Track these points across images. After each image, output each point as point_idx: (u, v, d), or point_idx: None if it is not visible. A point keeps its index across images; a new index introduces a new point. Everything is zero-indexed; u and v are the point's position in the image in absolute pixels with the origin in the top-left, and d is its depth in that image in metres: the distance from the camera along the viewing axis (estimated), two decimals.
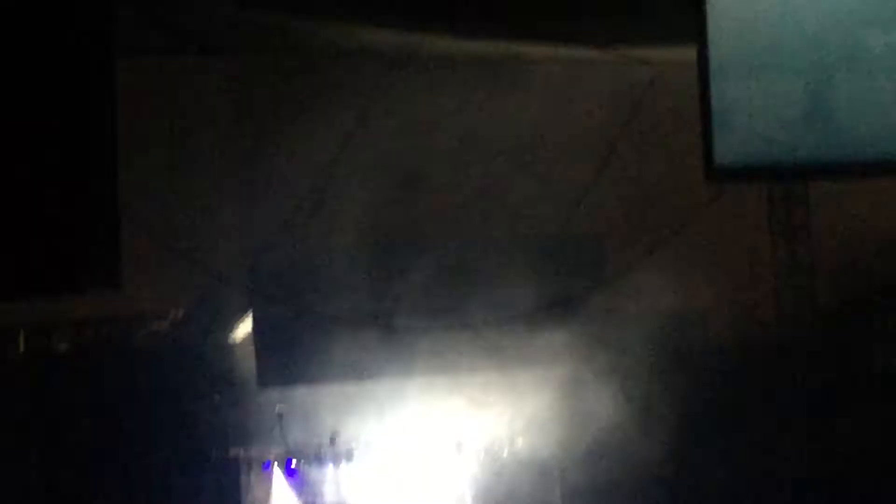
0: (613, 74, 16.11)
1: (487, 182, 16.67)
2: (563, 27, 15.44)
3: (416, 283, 17.16)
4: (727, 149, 11.26)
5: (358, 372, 17.28)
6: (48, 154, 7.49)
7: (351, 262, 16.99)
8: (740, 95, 11.29)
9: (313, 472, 18.09)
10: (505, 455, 18.42)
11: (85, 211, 7.67)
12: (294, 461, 17.86)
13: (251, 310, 17.28)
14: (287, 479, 17.97)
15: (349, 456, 18.05)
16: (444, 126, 16.08)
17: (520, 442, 18.30)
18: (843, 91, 11.21)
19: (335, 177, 16.33)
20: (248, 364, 17.34)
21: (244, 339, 17.79)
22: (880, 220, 16.51)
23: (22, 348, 16.53)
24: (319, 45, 15.76)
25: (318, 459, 17.97)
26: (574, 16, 15.11)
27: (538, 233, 17.82)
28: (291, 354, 17.24)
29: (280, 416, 17.47)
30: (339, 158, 16.14)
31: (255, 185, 15.82)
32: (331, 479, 18.21)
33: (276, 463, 17.76)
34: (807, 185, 17.22)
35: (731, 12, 11.26)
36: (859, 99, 11.18)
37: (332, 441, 17.90)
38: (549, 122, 16.22)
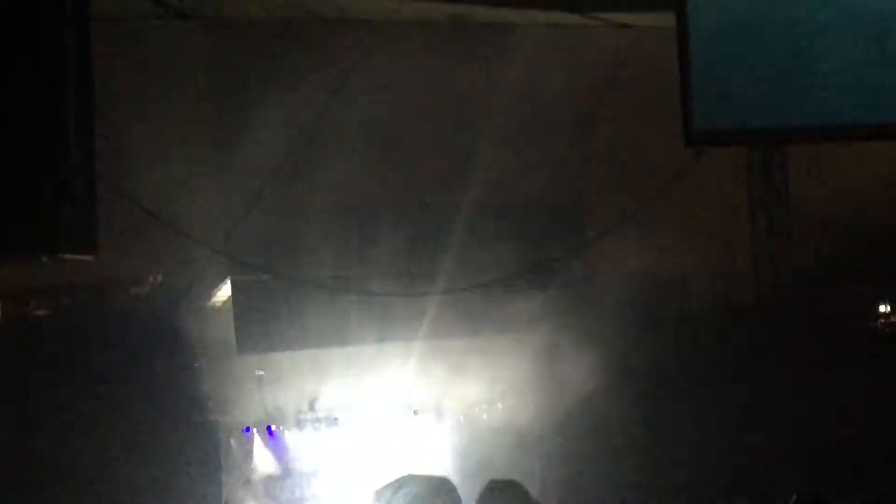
0: (592, 39, 16.08)
1: (466, 147, 16.65)
2: None
3: (394, 249, 17.18)
4: (706, 113, 11.27)
5: (337, 337, 17.30)
6: (22, 120, 7.44)
7: (329, 228, 16.98)
8: (719, 59, 11.30)
9: (293, 437, 18.14)
10: (483, 420, 18.49)
11: (58, 177, 7.63)
12: (273, 426, 17.90)
13: (229, 276, 17.26)
14: (267, 444, 18.01)
15: (328, 421, 18.10)
16: (422, 92, 16.05)
17: (498, 407, 18.36)
18: (821, 55, 11.23)
19: (313, 142, 16.29)
20: (226, 330, 17.34)
21: (222, 305, 17.78)
22: (856, 186, 16.57)
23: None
24: (298, 11, 15.66)
25: (298, 424, 18.02)
26: None
27: (517, 198, 17.82)
28: (270, 320, 17.24)
29: (260, 380, 17.50)
30: (317, 124, 16.10)
31: (233, 151, 15.77)
32: (310, 444, 18.26)
33: (255, 428, 17.80)
34: (785, 151, 17.27)
35: None
36: (837, 62, 11.20)
37: (312, 406, 17.95)
38: (529, 87, 16.20)
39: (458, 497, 3.85)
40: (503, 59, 16.01)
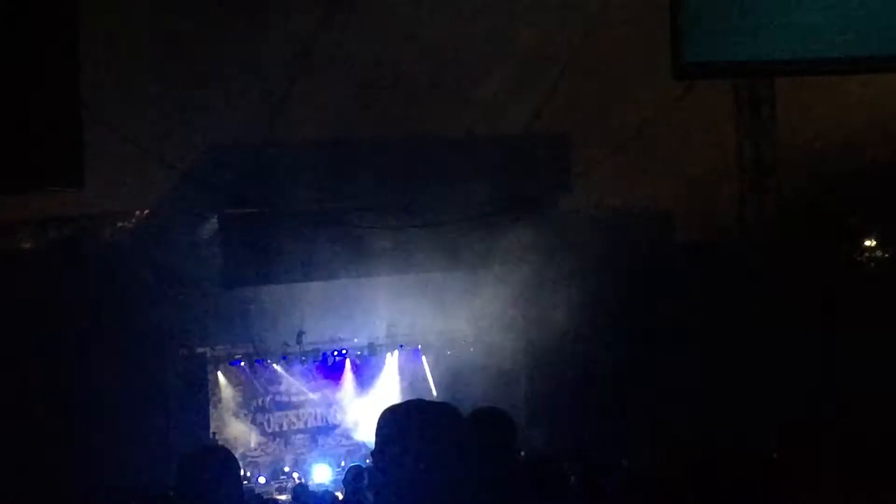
0: None
1: (454, 80, 16.57)
2: None
3: (380, 183, 17.15)
4: (695, 46, 11.26)
5: (324, 271, 17.32)
6: (8, 55, 7.42)
7: (316, 162, 16.94)
8: None
9: (280, 370, 18.22)
10: (467, 354, 18.57)
11: (47, 110, 7.62)
12: (261, 359, 17.98)
13: (217, 209, 17.24)
14: (255, 376, 18.10)
15: (315, 353, 18.19)
16: (412, 24, 15.94)
17: (481, 342, 18.43)
18: None
19: (300, 75, 16.21)
20: (214, 263, 17.34)
21: (210, 238, 17.76)
22: (843, 122, 16.55)
23: None
24: None
25: (285, 357, 18.10)
26: None
27: (503, 131, 17.79)
28: (258, 254, 17.24)
29: (248, 313, 17.55)
30: (304, 56, 16.01)
31: (219, 85, 15.68)
32: (297, 375, 18.36)
33: (243, 361, 17.88)
34: (773, 86, 17.22)
35: None
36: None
37: (299, 339, 18.02)
38: (518, 19, 16.10)
39: (463, 423, 3.89)
40: None
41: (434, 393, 18.47)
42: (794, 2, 11.23)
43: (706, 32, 11.43)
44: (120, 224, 17.19)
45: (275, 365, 18.16)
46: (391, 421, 3.79)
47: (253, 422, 18.15)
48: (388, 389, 18.76)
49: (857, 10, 11.25)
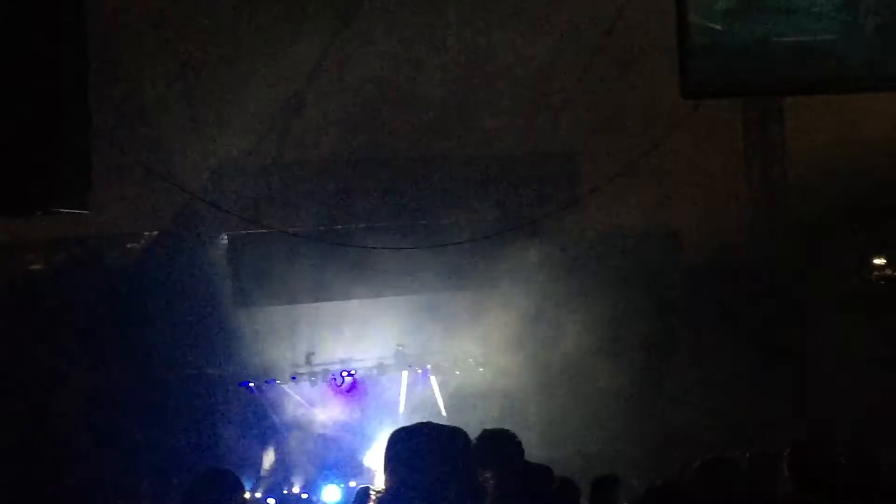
0: None
1: (462, 101, 16.61)
2: None
3: (387, 203, 17.18)
4: (702, 65, 11.26)
5: (332, 292, 17.31)
6: (17, 75, 7.42)
7: (323, 182, 16.98)
8: (716, 12, 11.29)
9: (289, 391, 18.20)
10: (476, 375, 18.52)
11: (54, 131, 7.61)
12: (270, 379, 17.97)
13: (226, 230, 17.25)
14: (264, 397, 18.08)
15: (324, 374, 18.17)
16: (418, 44, 16.00)
17: (489, 363, 18.38)
18: (817, 7, 11.21)
19: (309, 95, 16.25)
20: (223, 284, 17.35)
21: (219, 260, 17.78)
22: (852, 141, 16.54)
23: None
24: None
25: (294, 378, 18.08)
26: None
27: (511, 151, 17.81)
28: (266, 275, 17.24)
29: (256, 334, 17.54)
30: (311, 77, 16.05)
31: (228, 105, 15.73)
32: (307, 396, 18.34)
33: (252, 382, 17.87)
34: (781, 105, 17.23)
35: None
36: (833, 16, 11.18)
37: (308, 360, 18.00)
38: (526, 40, 16.13)
39: (472, 447, 3.89)
40: (501, 13, 15.95)
41: (444, 413, 18.42)
42: (802, 20, 11.23)
43: (714, 51, 11.43)
44: (129, 245, 17.21)
45: (284, 385, 18.14)
46: (401, 443, 3.78)
47: (262, 442, 18.12)
48: (397, 410, 18.71)
49: (864, 28, 11.26)
